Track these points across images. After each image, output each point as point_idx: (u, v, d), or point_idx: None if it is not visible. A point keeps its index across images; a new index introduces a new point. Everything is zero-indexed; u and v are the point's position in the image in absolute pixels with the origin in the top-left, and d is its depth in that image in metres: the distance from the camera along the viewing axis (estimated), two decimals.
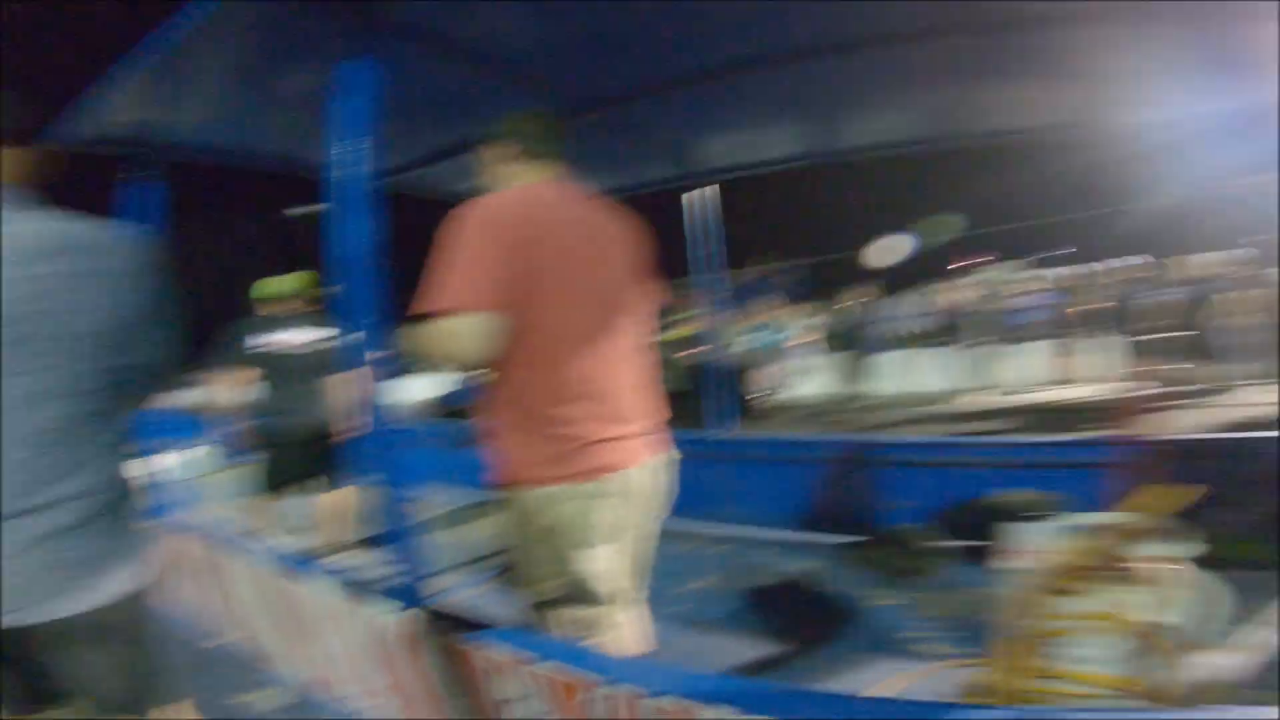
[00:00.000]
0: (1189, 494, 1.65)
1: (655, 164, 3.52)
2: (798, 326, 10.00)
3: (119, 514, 1.15)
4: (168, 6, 1.66)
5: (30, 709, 1.15)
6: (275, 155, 2.89)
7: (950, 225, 15.78)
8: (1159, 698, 1.28)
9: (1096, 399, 7.21)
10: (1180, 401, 6.27)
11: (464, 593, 2.95)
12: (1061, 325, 9.34)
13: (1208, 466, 2.26)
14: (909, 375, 9.76)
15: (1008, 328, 9.53)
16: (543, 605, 1.47)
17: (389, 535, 1.61)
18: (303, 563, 2.10)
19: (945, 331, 10.75)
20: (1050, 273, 13.54)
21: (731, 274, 4.28)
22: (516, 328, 1.35)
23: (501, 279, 1.31)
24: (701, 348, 5.25)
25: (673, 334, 6.51)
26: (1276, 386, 5.24)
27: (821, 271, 14.50)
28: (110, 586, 1.12)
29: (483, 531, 3.95)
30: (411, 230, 2.39)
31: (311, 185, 2.98)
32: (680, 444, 1.70)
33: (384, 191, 1.58)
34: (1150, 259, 9.75)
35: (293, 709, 2.17)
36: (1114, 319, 8.56)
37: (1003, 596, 1.61)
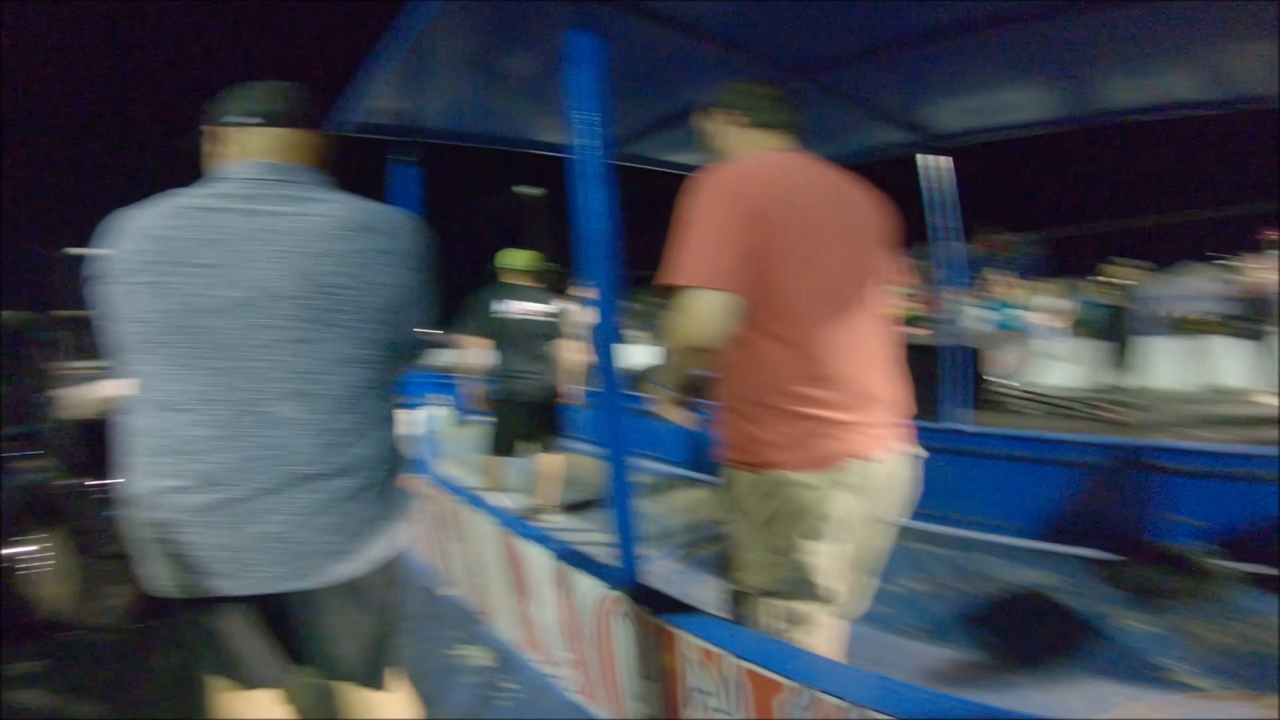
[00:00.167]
0: None
1: (881, 131, 3.20)
2: (1042, 306, 8.64)
3: (391, 479, 1.21)
4: None
5: (266, 677, 1.20)
6: (512, 135, 3.05)
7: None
8: None
9: None
10: None
11: (667, 572, 2.97)
12: None
13: None
14: (1193, 368, 8.04)
15: None
16: (751, 593, 1.40)
17: (608, 509, 1.59)
18: (526, 525, 2.21)
19: (1247, 316, 8.57)
20: None
21: (965, 246, 3.79)
22: (756, 301, 1.27)
23: (743, 253, 1.24)
24: (931, 327, 4.75)
25: (901, 311, 5.93)
26: None
27: (1070, 244, 12.45)
28: (377, 551, 1.18)
29: (684, 508, 3.99)
30: (633, 202, 2.38)
31: (548, 161, 3.19)
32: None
33: (614, 164, 1.55)
34: None
35: (497, 668, 2.31)
36: None
37: None
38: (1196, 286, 10.08)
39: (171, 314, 1.05)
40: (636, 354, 6.35)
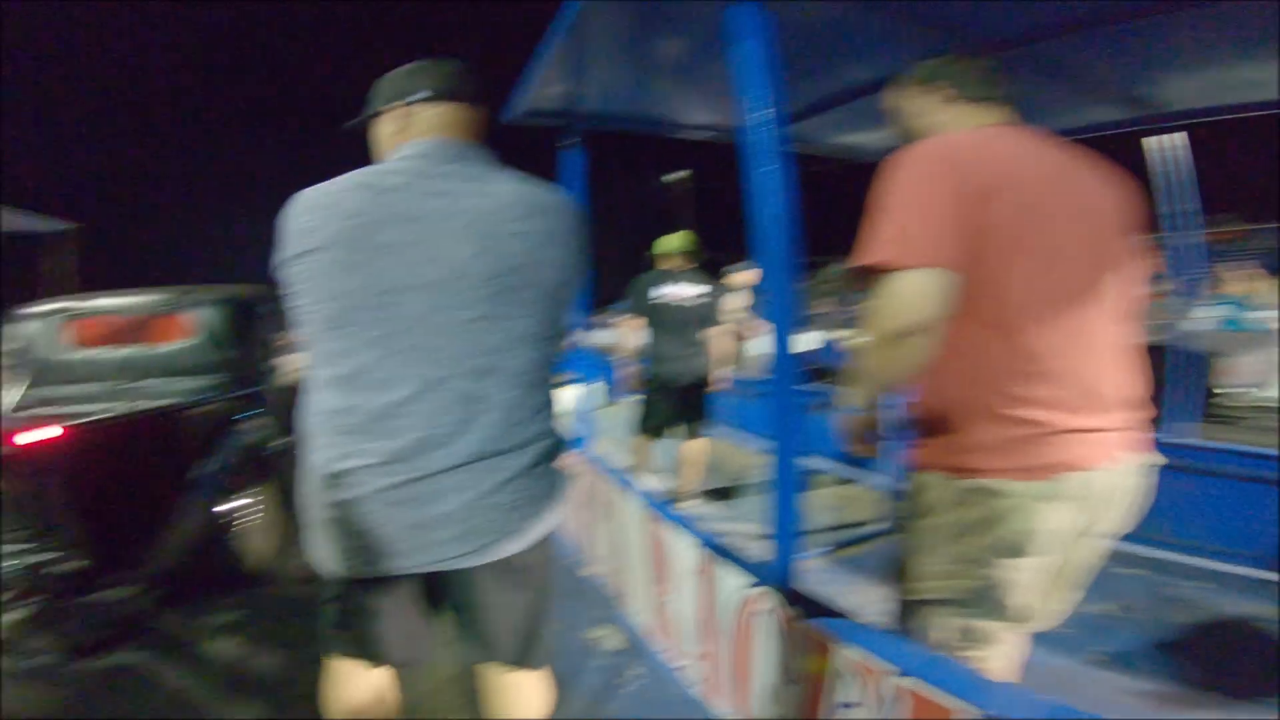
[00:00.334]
0: None
1: (1095, 108, 2.78)
2: None
3: (554, 456, 1.22)
4: None
5: (400, 657, 1.20)
6: (675, 119, 3.03)
7: None
8: None
9: None
10: None
11: (810, 572, 2.84)
12: None
13: None
14: None
15: None
16: (927, 604, 1.29)
17: (765, 503, 1.51)
18: (673, 511, 2.18)
19: None
20: None
21: (1197, 236, 3.23)
22: (972, 286, 1.12)
23: (958, 230, 1.10)
24: (1158, 326, 4.14)
25: (1143, 303, 5.16)
26: None
27: None
28: (540, 528, 1.19)
29: (832, 505, 3.80)
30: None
31: (713, 146, 3.16)
32: None
33: (783, 143, 1.45)
34: None
35: (626, 653, 2.30)
36: None
37: None
38: None
39: (361, 292, 1.05)
40: (804, 342, 6.17)
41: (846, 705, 1.28)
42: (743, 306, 5.70)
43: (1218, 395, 5.93)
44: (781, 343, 1.46)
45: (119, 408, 2.55)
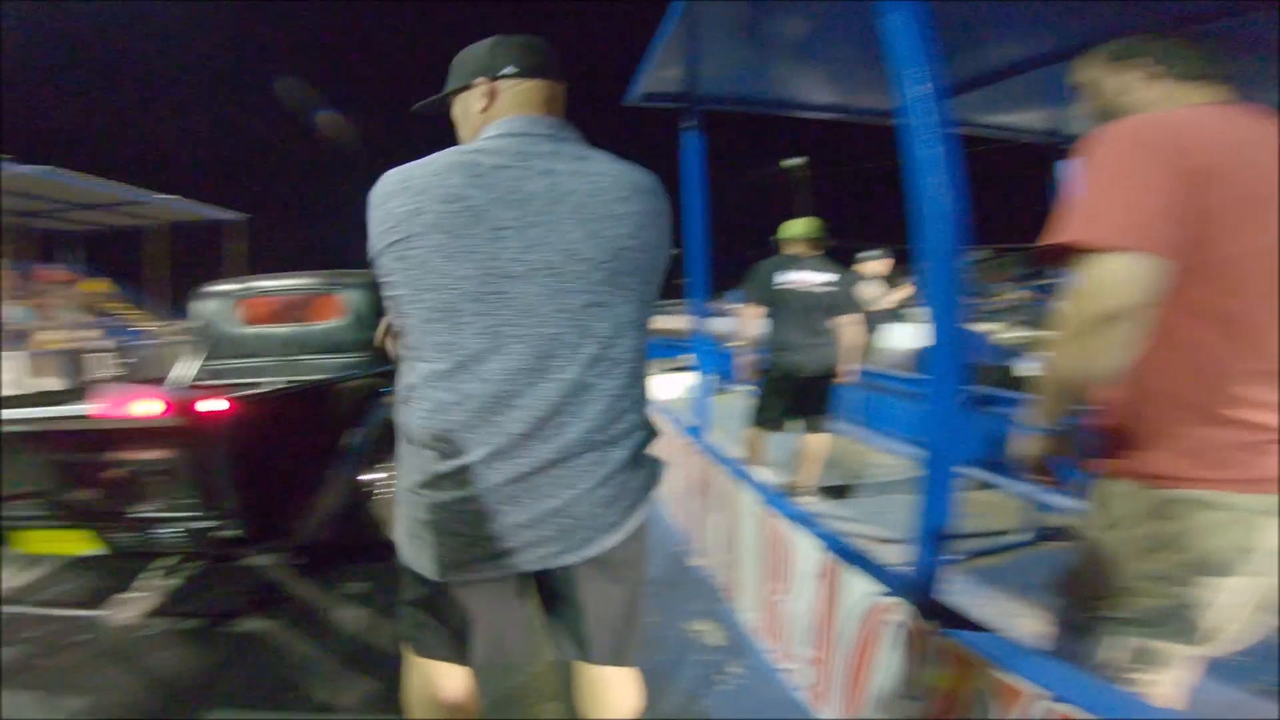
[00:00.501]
0: None
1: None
2: None
3: (648, 446, 1.18)
4: None
5: (488, 655, 1.17)
6: (801, 99, 2.91)
7: None
8: None
9: None
10: None
11: (947, 583, 2.64)
12: None
13: None
14: None
15: None
16: (1100, 621, 1.20)
17: (916, 508, 1.40)
18: (794, 509, 2.09)
19: None
20: None
21: None
22: (1183, 276, 1.01)
23: (1174, 213, 0.99)
24: None
25: None
26: None
27: None
28: (634, 521, 1.15)
29: (968, 512, 3.52)
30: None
31: (832, 129, 3.01)
32: None
33: (945, 122, 1.32)
34: None
35: (728, 649, 2.24)
36: None
37: None
38: None
39: (470, 280, 0.99)
40: (897, 331, 5.77)
41: None
42: (875, 296, 5.39)
43: None
44: (943, 337, 1.34)
45: (279, 382, 2.79)
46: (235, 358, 3.46)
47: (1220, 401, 1.05)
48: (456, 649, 1.16)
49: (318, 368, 3.31)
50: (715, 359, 5.23)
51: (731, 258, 3.67)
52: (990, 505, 3.52)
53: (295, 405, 2.63)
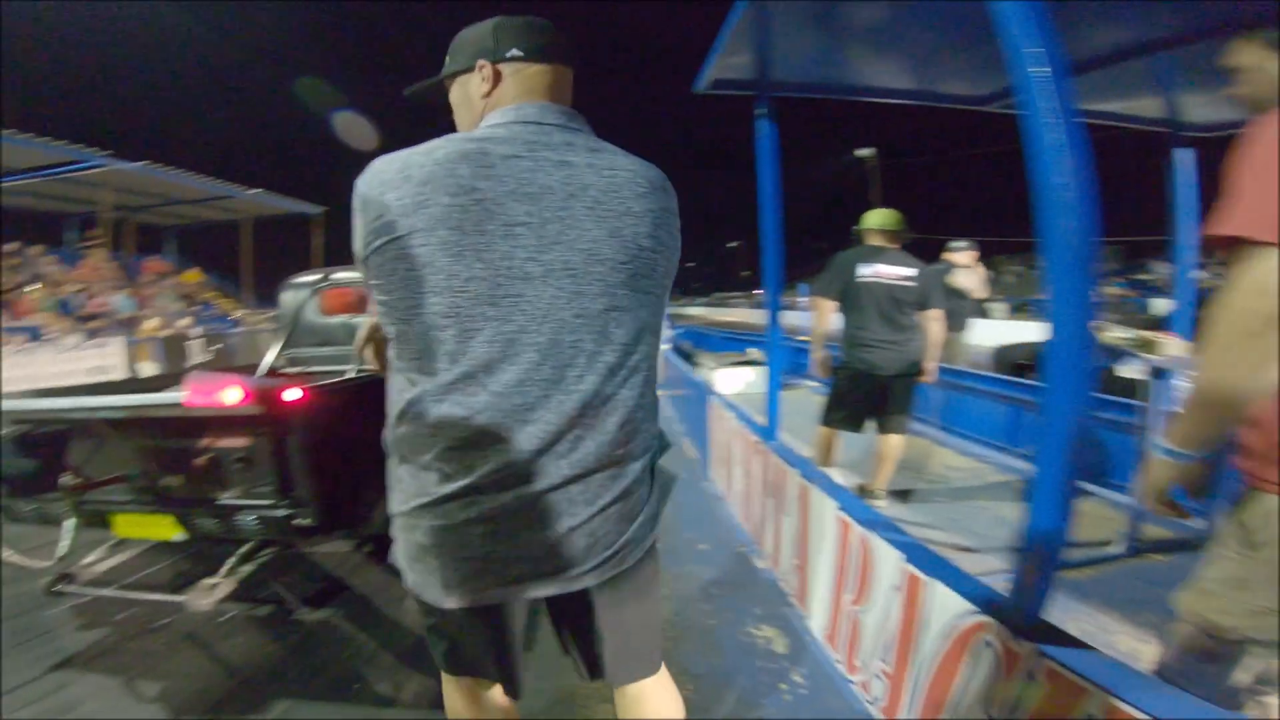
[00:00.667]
0: None
1: None
2: None
3: (660, 458, 1.12)
4: None
5: (512, 673, 1.14)
6: (877, 84, 2.78)
7: None
8: None
9: None
10: None
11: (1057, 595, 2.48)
12: None
13: None
14: None
15: None
16: (1231, 642, 1.16)
17: (1025, 521, 1.26)
18: (875, 515, 1.98)
19: None
20: None
21: None
22: None
23: None
24: None
25: None
26: None
27: None
28: (652, 538, 1.11)
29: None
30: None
31: (907, 118, 2.85)
32: None
33: (1068, 105, 1.19)
34: None
35: (789, 656, 2.15)
36: None
37: None
38: None
39: (480, 281, 0.90)
40: (995, 328, 5.48)
41: None
42: (967, 287, 5.11)
43: None
44: (1066, 338, 1.20)
45: (350, 371, 2.86)
46: (316, 346, 3.57)
47: None
48: (481, 667, 1.13)
49: None
50: (785, 354, 5.08)
51: (799, 249, 3.52)
52: (1082, 515, 3.29)
53: (369, 395, 2.67)
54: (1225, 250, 0.93)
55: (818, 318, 3.46)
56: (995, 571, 2.74)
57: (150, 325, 10.85)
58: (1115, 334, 4.52)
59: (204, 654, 2.30)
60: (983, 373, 4.83)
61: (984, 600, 1.39)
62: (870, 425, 3.42)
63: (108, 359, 8.85)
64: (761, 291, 3.10)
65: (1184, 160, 3.07)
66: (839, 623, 2.05)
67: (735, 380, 7.48)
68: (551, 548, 0.98)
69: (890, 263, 3.26)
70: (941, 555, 1.65)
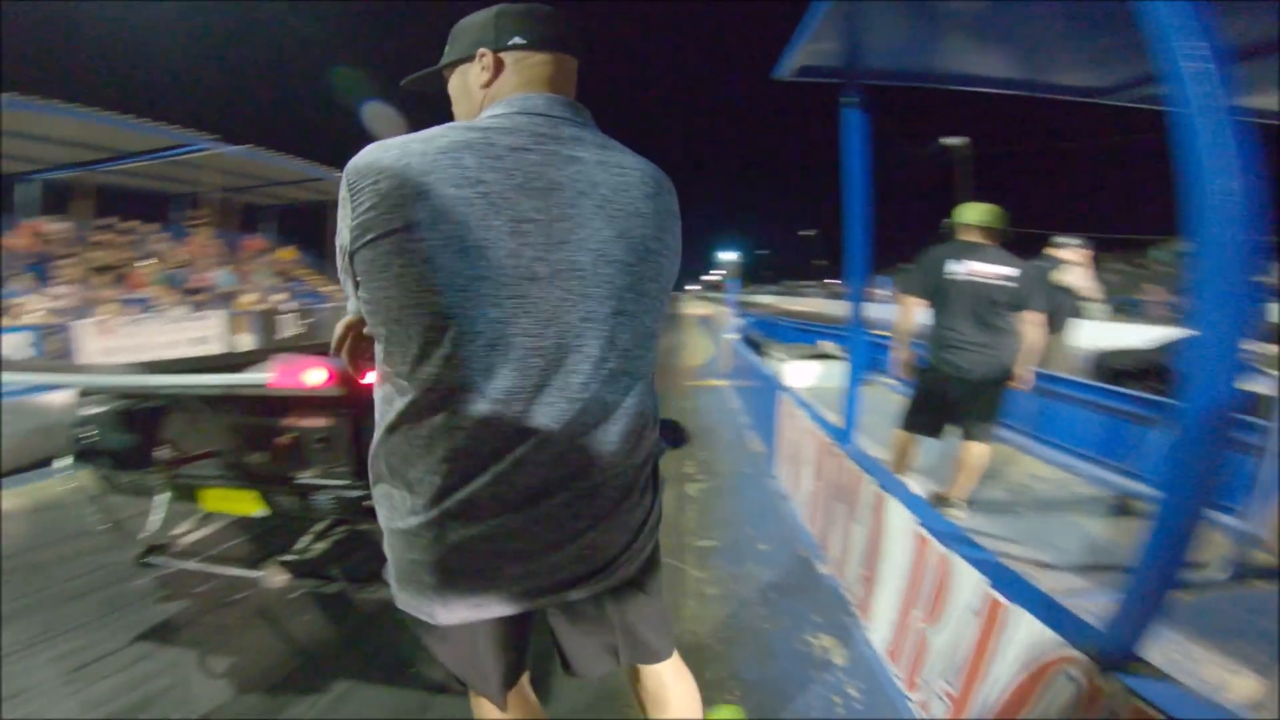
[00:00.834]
0: None
1: None
2: None
3: (659, 458, 1.10)
4: None
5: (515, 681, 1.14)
6: (981, 73, 2.59)
7: None
8: None
9: None
10: None
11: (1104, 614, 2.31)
12: None
13: None
14: None
15: None
16: None
17: (1140, 551, 1.15)
18: (954, 531, 1.87)
19: None
20: None
21: None
22: None
23: None
24: None
25: None
26: None
27: None
28: (654, 543, 1.09)
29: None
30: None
31: (997, 108, 2.66)
32: None
33: (1223, 93, 1.05)
34: None
35: (847, 669, 2.07)
36: None
37: None
38: None
39: (483, 280, 0.84)
40: (1097, 336, 5.07)
41: None
42: (1068, 288, 4.73)
43: None
44: (1212, 349, 1.08)
45: None
46: None
47: None
48: (488, 682, 1.10)
49: None
50: (866, 351, 4.86)
51: (877, 240, 3.36)
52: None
53: None
54: None
55: (902, 315, 3.28)
56: (1072, 590, 2.59)
57: (248, 299, 11.56)
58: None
59: (272, 631, 2.40)
60: (1078, 379, 4.50)
61: (1073, 632, 1.29)
62: (952, 431, 3.24)
63: (208, 330, 9.49)
64: (836, 282, 2.96)
65: None
66: (904, 639, 1.96)
67: (807, 374, 7.29)
68: (555, 561, 0.95)
69: (986, 260, 3.03)
70: (1026, 577, 1.55)
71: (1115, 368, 4.67)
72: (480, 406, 0.87)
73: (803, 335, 10.92)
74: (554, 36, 0.98)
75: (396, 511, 0.95)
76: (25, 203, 12.11)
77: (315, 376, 1.87)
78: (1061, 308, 4.62)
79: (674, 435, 1.89)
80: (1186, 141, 1.04)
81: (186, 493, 2.21)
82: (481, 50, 0.97)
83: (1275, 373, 2.51)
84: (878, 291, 14.21)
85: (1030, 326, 3.06)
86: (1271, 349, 3.64)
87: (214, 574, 2.33)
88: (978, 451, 3.17)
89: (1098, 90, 2.59)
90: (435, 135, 0.86)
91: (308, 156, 14.83)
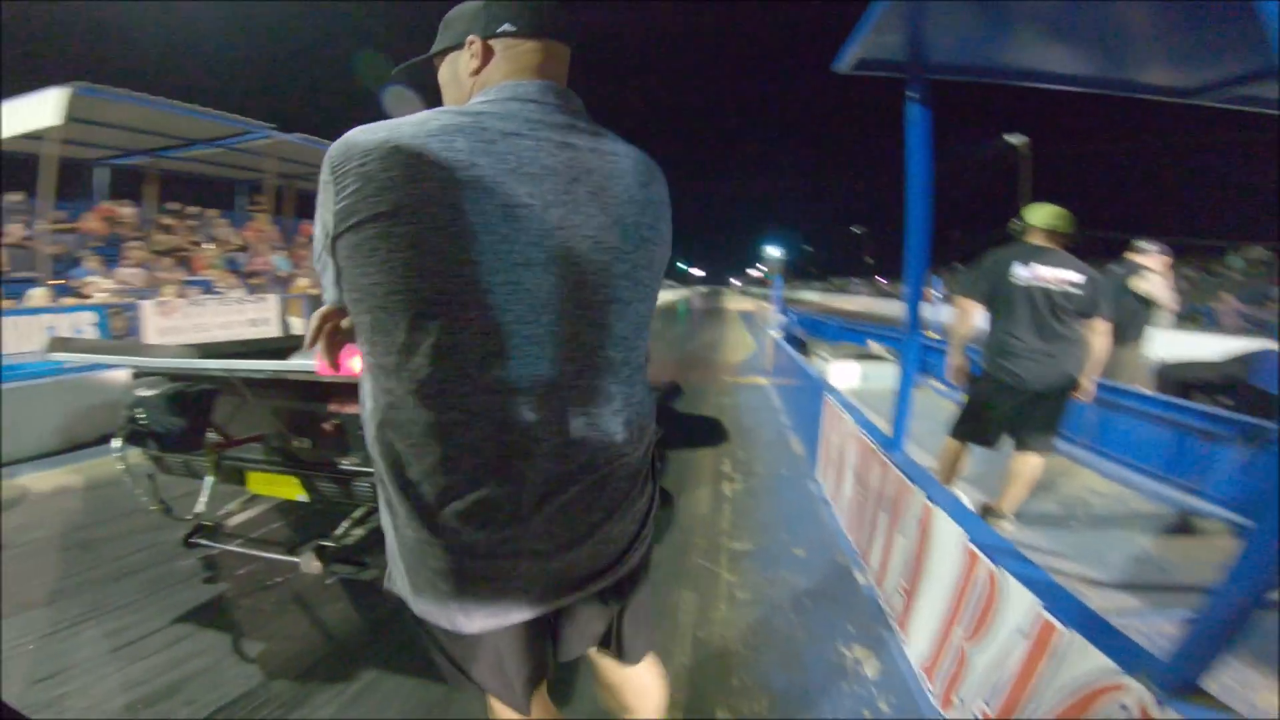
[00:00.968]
0: None
1: None
2: None
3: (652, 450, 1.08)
4: None
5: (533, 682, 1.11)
6: (1053, 69, 2.46)
7: None
8: None
9: None
10: None
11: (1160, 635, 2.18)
12: None
13: None
14: None
15: None
16: None
17: (1222, 580, 1.07)
18: (1009, 550, 1.78)
19: None
20: None
21: None
22: None
23: None
24: None
25: None
26: None
27: None
28: (650, 531, 1.08)
29: (1212, 561, 2.88)
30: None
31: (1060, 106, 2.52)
32: None
33: None
34: None
35: (880, 683, 2.00)
36: None
37: None
38: None
39: (475, 266, 0.81)
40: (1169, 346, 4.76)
41: None
42: (1145, 296, 4.47)
43: None
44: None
45: None
46: None
47: None
48: (511, 690, 1.08)
49: None
50: (919, 353, 4.68)
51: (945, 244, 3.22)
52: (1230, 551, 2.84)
53: None
54: None
55: (959, 319, 3.14)
56: (1123, 609, 2.45)
57: (302, 284, 11.89)
58: None
59: (306, 617, 2.45)
60: (1143, 391, 4.27)
61: (1128, 658, 1.22)
62: (1005, 441, 3.10)
63: (264, 312, 9.81)
64: (884, 280, 2.85)
65: None
66: (943, 655, 1.89)
67: (853, 375, 7.11)
68: (572, 557, 0.94)
69: (1052, 264, 2.88)
70: (1078, 595, 1.47)
71: (1183, 380, 4.42)
72: (477, 399, 0.84)
73: (849, 334, 10.69)
74: (545, 24, 0.96)
75: (405, 519, 0.91)
76: (101, 187, 12.71)
77: (359, 363, 1.90)
78: (1135, 316, 4.34)
79: (670, 393, 1.83)
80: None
81: (233, 475, 2.27)
82: (471, 38, 0.96)
83: None
84: (933, 292, 13.80)
85: (1098, 336, 2.91)
86: None
87: (255, 556, 2.39)
88: (1033, 463, 3.03)
89: (1191, 90, 2.43)
90: (427, 118, 0.84)
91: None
